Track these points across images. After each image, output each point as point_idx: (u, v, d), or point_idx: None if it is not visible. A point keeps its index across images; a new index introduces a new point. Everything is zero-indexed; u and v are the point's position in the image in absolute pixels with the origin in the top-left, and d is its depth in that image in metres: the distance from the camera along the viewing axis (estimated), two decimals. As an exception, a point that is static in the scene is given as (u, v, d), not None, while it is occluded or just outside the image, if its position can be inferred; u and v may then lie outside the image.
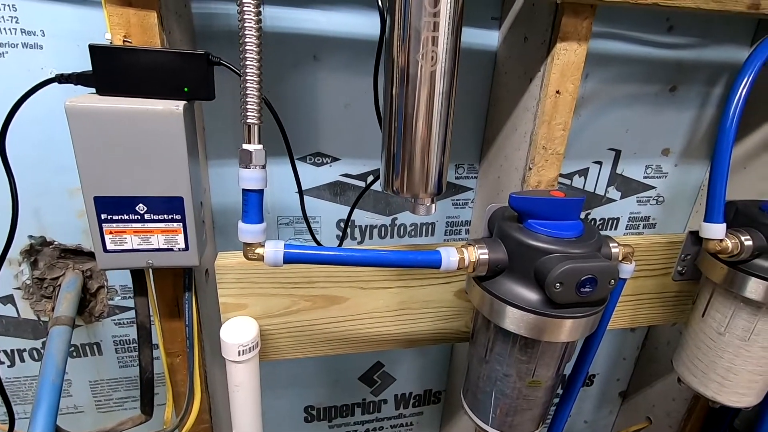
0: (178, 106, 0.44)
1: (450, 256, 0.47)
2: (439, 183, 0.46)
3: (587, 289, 0.43)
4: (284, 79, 0.63)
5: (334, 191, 0.72)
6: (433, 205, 0.48)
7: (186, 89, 0.45)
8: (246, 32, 0.39)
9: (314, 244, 0.66)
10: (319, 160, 0.69)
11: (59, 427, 0.51)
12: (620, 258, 0.51)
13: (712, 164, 0.56)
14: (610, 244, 0.51)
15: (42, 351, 0.71)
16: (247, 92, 0.40)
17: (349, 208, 0.68)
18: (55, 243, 0.65)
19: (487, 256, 0.46)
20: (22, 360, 0.72)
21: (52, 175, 0.60)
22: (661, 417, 0.99)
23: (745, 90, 0.53)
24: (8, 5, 0.52)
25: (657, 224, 0.88)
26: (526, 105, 0.59)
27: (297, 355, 0.63)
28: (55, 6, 0.53)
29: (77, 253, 0.66)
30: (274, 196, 0.70)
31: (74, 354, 0.73)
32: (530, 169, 0.58)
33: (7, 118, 0.45)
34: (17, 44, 0.53)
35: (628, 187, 0.83)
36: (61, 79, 0.45)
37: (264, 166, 0.43)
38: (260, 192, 0.44)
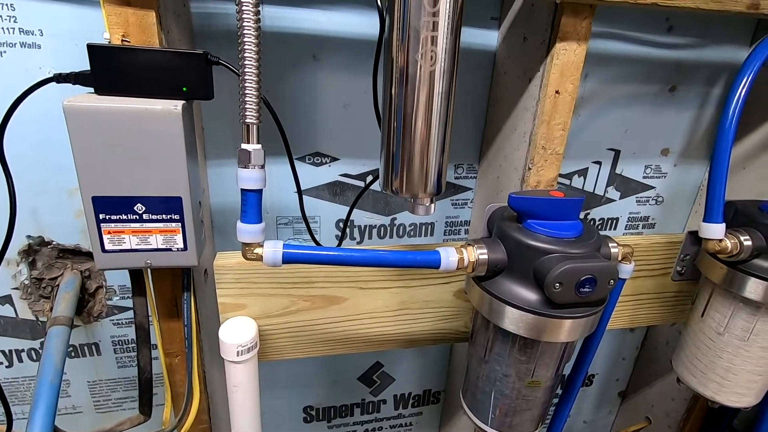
0: (176, 105, 0.44)
1: (449, 256, 0.47)
2: (438, 183, 0.46)
3: (587, 289, 0.43)
4: (283, 79, 0.62)
5: (333, 191, 0.72)
6: (432, 205, 0.48)
7: (185, 89, 0.45)
8: (245, 32, 0.38)
9: (313, 244, 0.66)
10: (318, 160, 0.69)
11: (57, 428, 0.51)
12: (619, 258, 0.51)
13: (712, 164, 0.56)
14: (610, 244, 0.51)
15: (40, 351, 0.71)
16: (246, 92, 0.40)
17: (348, 208, 0.68)
18: (54, 243, 0.64)
19: (486, 256, 0.46)
20: (21, 360, 0.72)
21: (50, 174, 0.60)
22: (661, 417, 0.99)
23: (744, 90, 0.53)
24: (6, 4, 0.52)
25: (656, 224, 0.88)
26: (525, 105, 0.59)
27: (296, 356, 0.63)
28: (54, 5, 0.53)
29: (75, 253, 0.66)
30: (273, 196, 0.70)
31: (73, 354, 0.73)
32: (529, 169, 0.58)
33: (4, 117, 0.45)
34: (15, 43, 0.53)
35: (628, 187, 0.83)
36: (59, 78, 0.45)
37: (263, 166, 0.43)
38: (259, 192, 0.43)
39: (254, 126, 0.41)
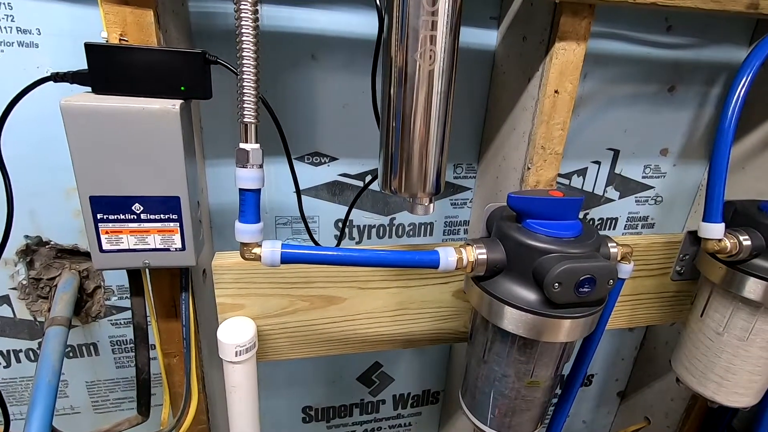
0: (174, 105, 0.44)
1: (448, 256, 0.46)
2: (438, 183, 0.46)
3: (586, 289, 0.43)
4: (282, 79, 0.62)
5: (332, 191, 0.71)
6: (432, 205, 0.48)
7: (183, 88, 0.45)
8: (243, 31, 0.38)
9: (312, 244, 0.66)
10: (317, 159, 0.69)
11: (55, 428, 0.51)
12: (619, 258, 0.51)
13: (711, 164, 0.56)
14: (609, 244, 0.51)
15: (38, 351, 0.71)
16: (244, 91, 0.40)
17: (347, 208, 0.68)
18: (52, 243, 0.64)
19: (485, 256, 0.46)
20: (18, 360, 0.71)
21: (48, 174, 0.60)
22: (660, 417, 0.99)
23: (743, 90, 0.53)
24: (4, 3, 0.52)
25: (655, 224, 0.88)
26: (524, 105, 0.59)
27: (295, 356, 0.63)
28: (51, 4, 0.53)
29: (74, 253, 0.66)
30: (272, 196, 0.69)
31: (71, 354, 0.73)
32: (529, 168, 0.58)
33: (2, 117, 0.45)
34: (13, 42, 0.53)
35: (627, 186, 0.83)
36: (57, 77, 0.45)
37: (261, 166, 0.42)
38: (257, 191, 0.43)
39: (252, 125, 0.41)
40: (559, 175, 0.77)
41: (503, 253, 0.46)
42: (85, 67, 0.44)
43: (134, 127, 0.43)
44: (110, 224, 0.46)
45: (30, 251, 0.64)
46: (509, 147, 0.64)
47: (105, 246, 0.47)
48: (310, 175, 0.69)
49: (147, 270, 0.55)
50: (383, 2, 0.42)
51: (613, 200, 0.84)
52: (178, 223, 0.48)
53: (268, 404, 0.87)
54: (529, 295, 0.45)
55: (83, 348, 0.73)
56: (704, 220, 0.58)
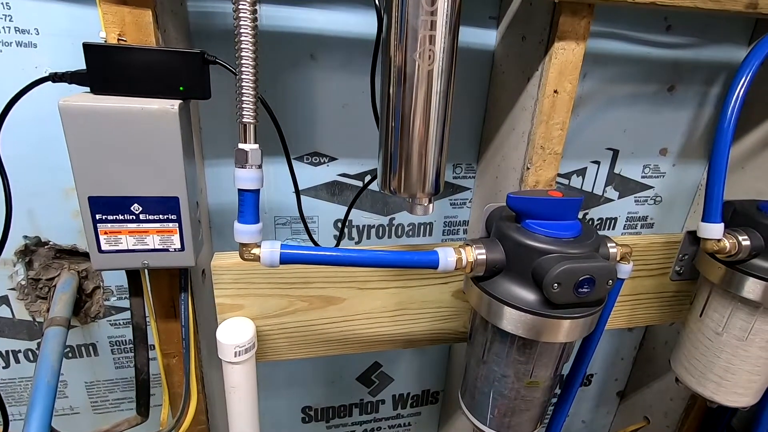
0: (173, 105, 0.44)
1: (447, 257, 0.46)
2: (437, 183, 0.46)
3: (585, 290, 0.43)
4: (281, 79, 0.62)
5: (331, 191, 0.71)
6: (431, 205, 0.47)
7: (181, 88, 0.45)
8: (242, 31, 0.38)
9: (311, 245, 0.66)
10: (316, 159, 0.69)
11: (54, 429, 0.51)
12: (618, 258, 0.51)
13: (710, 164, 0.56)
14: (608, 244, 0.51)
15: (37, 352, 0.71)
16: (243, 91, 0.40)
17: (346, 208, 0.68)
18: (50, 243, 0.64)
19: (484, 257, 0.46)
20: (17, 361, 0.71)
21: (46, 174, 0.60)
22: (659, 417, 0.99)
23: (742, 89, 0.53)
24: (2, 3, 0.52)
25: (655, 224, 0.88)
26: (523, 104, 0.59)
27: (294, 356, 0.63)
28: (50, 4, 0.53)
29: (72, 254, 0.66)
30: (271, 196, 0.69)
31: (70, 355, 0.73)
32: (528, 168, 0.58)
33: (0, 116, 0.45)
34: (11, 42, 0.53)
35: (626, 186, 0.83)
36: (55, 78, 0.45)
37: (260, 166, 0.42)
38: (256, 192, 0.43)
39: (251, 126, 0.41)
40: (559, 175, 0.77)
41: (502, 254, 0.46)
42: (84, 67, 0.44)
43: (133, 127, 0.43)
44: (109, 225, 0.46)
45: (29, 251, 0.64)
46: (508, 147, 0.63)
47: (104, 246, 0.47)
48: (310, 175, 0.69)
49: (146, 270, 0.55)
50: (382, 2, 0.42)
51: (612, 200, 0.84)
52: (177, 224, 0.48)
53: (267, 404, 0.87)
54: (529, 295, 0.45)
55: (82, 348, 0.73)
56: (703, 220, 0.58)
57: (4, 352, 0.70)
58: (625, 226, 0.87)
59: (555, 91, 0.54)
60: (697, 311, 0.66)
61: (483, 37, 0.66)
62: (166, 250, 0.49)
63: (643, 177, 0.83)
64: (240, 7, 0.38)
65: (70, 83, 0.44)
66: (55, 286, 0.65)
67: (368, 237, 0.77)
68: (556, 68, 0.53)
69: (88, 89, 0.45)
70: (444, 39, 0.40)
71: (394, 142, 0.44)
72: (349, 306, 0.62)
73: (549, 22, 0.52)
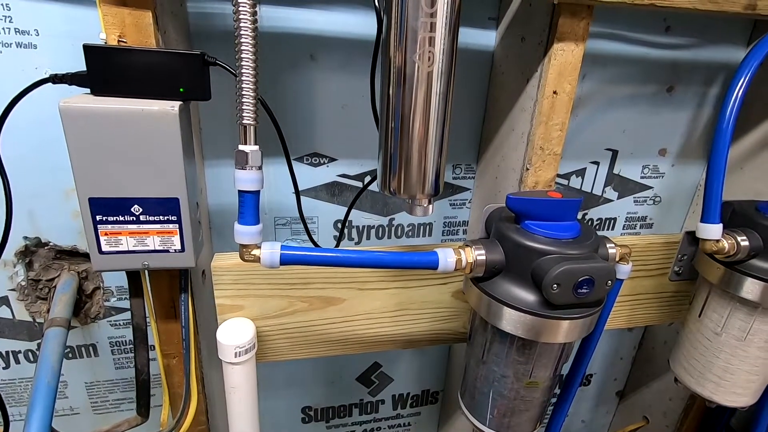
0: (173, 106, 0.44)
1: (447, 257, 0.46)
2: (436, 184, 0.46)
3: (584, 290, 0.43)
4: (281, 80, 0.62)
5: (331, 192, 0.71)
6: (430, 206, 0.48)
7: (182, 89, 0.45)
8: (241, 32, 0.38)
9: (311, 245, 0.66)
10: (316, 160, 0.69)
11: (54, 429, 0.51)
12: (617, 259, 0.51)
13: (709, 165, 0.56)
14: (607, 245, 0.51)
15: (37, 353, 0.71)
16: (243, 93, 0.40)
17: (346, 209, 0.68)
18: (51, 244, 0.64)
19: (484, 257, 0.46)
20: (17, 362, 0.71)
21: (47, 175, 0.60)
22: (658, 416, 0.99)
23: (741, 90, 0.53)
24: (2, 4, 0.52)
25: (654, 224, 0.89)
26: (523, 105, 0.59)
27: (294, 357, 0.63)
28: (50, 5, 0.53)
29: (73, 254, 0.66)
30: (271, 197, 0.70)
31: (70, 355, 0.73)
32: (527, 169, 0.58)
33: (1, 118, 0.45)
34: (11, 44, 0.53)
35: (625, 187, 0.83)
36: (55, 79, 0.45)
37: (260, 167, 0.42)
38: (256, 193, 0.43)
39: (251, 127, 0.41)
40: (558, 176, 0.78)
41: (502, 254, 0.47)
42: (84, 68, 0.44)
43: (133, 128, 0.43)
44: (109, 226, 0.46)
45: (29, 252, 0.64)
46: (508, 148, 0.64)
47: (104, 247, 0.47)
48: (309, 175, 0.69)
49: (146, 271, 0.55)
50: (382, 3, 0.42)
51: (611, 200, 0.84)
52: (177, 225, 0.48)
53: (267, 405, 0.88)
54: (528, 296, 0.45)
55: (82, 349, 0.73)
56: (702, 220, 0.58)
57: (4, 353, 0.70)
58: (624, 227, 0.87)
59: (554, 92, 0.54)
60: (696, 311, 0.67)
61: (482, 38, 0.66)
62: (167, 251, 0.49)
63: (642, 177, 0.83)
64: (240, 8, 0.38)
65: (70, 84, 0.45)
66: (55, 286, 0.65)
67: (368, 237, 0.77)
68: (555, 69, 0.53)
69: (88, 90, 0.45)
70: (444, 40, 0.40)
71: (394, 143, 0.44)
72: (349, 306, 0.62)
73: (548, 23, 0.52)
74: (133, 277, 0.55)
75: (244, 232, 0.44)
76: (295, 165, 0.67)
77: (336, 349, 0.64)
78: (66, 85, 0.45)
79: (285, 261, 0.45)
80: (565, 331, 0.45)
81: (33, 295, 0.67)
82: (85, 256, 0.66)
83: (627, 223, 0.87)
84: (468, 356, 0.55)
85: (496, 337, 0.49)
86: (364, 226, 0.76)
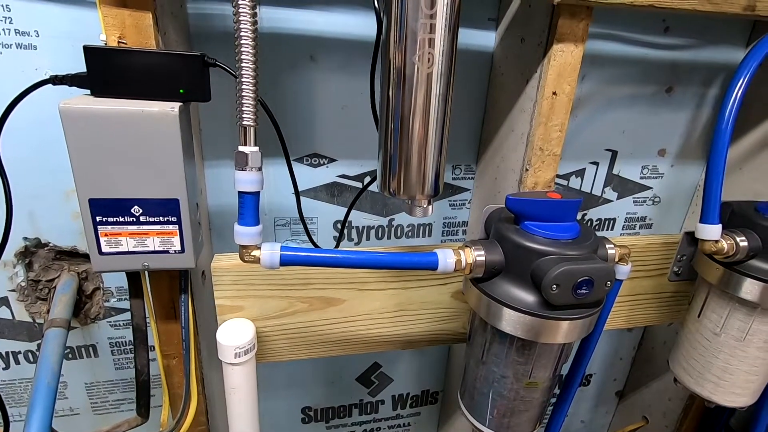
0: (173, 107, 0.44)
1: (447, 258, 0.47)
2: (436, 184, 0.46)
3: (584, 291, 0.43)
4: (281, 81, 0.62)
5: (331, 192, 0.71)
6: (430, 207, 0.48)
7: (182, 91, 0.45)
8: (241, 33, 0.38)
9: (311, 246, 0.66)
10: (315, 161, 0.69)
11: (54, 430, 0.51)
12: (616, 259, 0.52)
13: (708, 165, 0.56)
14: (607, 246, 0.51)
15: (37, 353, 0.71)
16: (243, 94, 0.40)
17: (346, 209, 0.68)
18: (50, 245, 0.64)
19: (483, 258, 0.46)
20: (17, 362, 0.71)
21: (47, 176, 0.60)
22: (658, 416, 0.99)
23: (740, 91, 0.53)
24: (2, 5, 0.52)
25: (653, 225, 0.89)
26: (522, 106, 0.59)
27: (294, 357, 0.63)
28: (50, 7, 0.53)
29: (72, 255, 0.66)
30: (271, 197, 0.70)
31: (70, 356, 0.73)
32: (527, 170, 0.58)
33: (1, 119, 0.45)
34: (11, 45, 0.53)
35: (625, 187, 0.83)
36: (56, 80, 0.45)
37: (260, 168, 0.43)
38: (256, 194, 0.43)
39: (251, 128, 0.41)
40: (558, 176, 0.78)
41: (501, 255, 0.47)
42: (84, 69, 0.44)
43: (133, 129, 0.43)
44: (109, 227, 0.46)
45: (29, 253, 0.64)
46: (507, 148, 0.64)
47: (104, 248, 0.47)
48: (309, 176, 0.69)
49: (146, 272, 0.55)
50: (381, 4, 0.42)
51: (611, 201, 0.84)
52: (177, 226, 0.48)
53: (267, 405, 0.88)
54: (527, 296, 0.45)
55: (82, 349, 0.73)
56: (701, 221, 0.58)
57: (4, 354, 0.70)
58: (623, 227, 0.87)
59: (554, 93, 0.54)
60: (695, 312, 0.67)
61: (482, 39, 0.67)
62: (166, 251, 0.49)
63: (641, 178, 0.83)
64: (240, 9, 0.38)
65: (70, 86, 0.45)
66: (55, 287, 0.65)
67: (368, 238, 0.77)
68: (554, 70, 0.53)
69: (88, 92, 0.45)
70: (443, 42, 0.40)
71: (394, 144, 0.44)
72: (349, 307, 0.62)
73: (548, 24, 0.52)
74: (133, 277, 0.55)
75: (243, 233, 0.44)
76: (295, 166, 0.67)
77: (336, 350, 0.64)
78: (66, 87, 0.45)
79: (285, 262, 0.45)
80: (564, 331, 0.45)
81: (33, 295, 0.67)
82: (85, 257, 0.66)
83: (626, 223, 0.87)
84: (467, 357, 0.55)
85: (496, 337, 0.49)
86: (363, 227, 0.76)
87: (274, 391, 0.87)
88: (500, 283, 0.47)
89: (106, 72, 0.44)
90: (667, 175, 0.84)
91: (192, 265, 0.50)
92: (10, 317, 0.68)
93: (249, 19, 0.38)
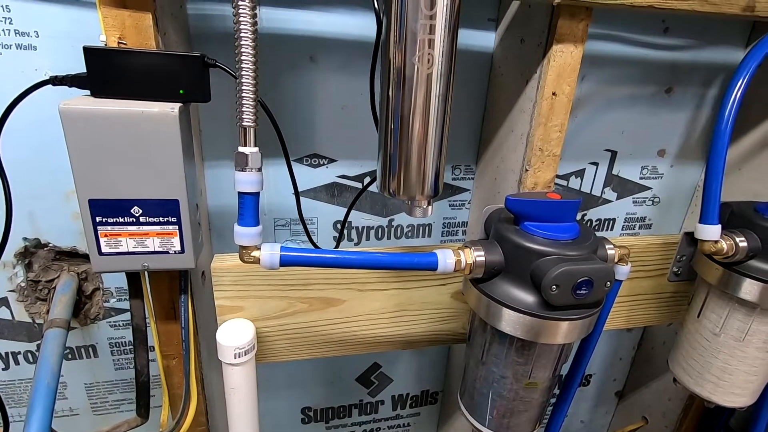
0: (173, 108, 0.44)
1: (446, 259, 0.47)
2: (436, 185, 0.46)
3: (583, 292, 0.43)
4: (280, 80, 0.62)
5: (330, 193, 0.72)
6: (430, 207, 0.48)
7: (181, 91, 0.45)
8: (241, 34, 0.38)
9: (311, 247, 0.66)
10: (315, 161, 0.69)
11: (54, 430, 0.51)
12: (616, 260, 0.52)
13: (707, 165, 0.56)
14: (606, 246, 0.51)
15: (37, 353, 0.71)
16: (243, 94, 0.40)
17: (345, 210, 0.68)
18: (50, 245, 0.64)
19: (483, 258, 0.46)
20: (17, 363, 0.71)
21: (46, 177, 0.60)
22: (657, 417, 0.99)
23: (740, 92, 0.53)
24: (2, 6, 0.52)
25: (653, 225, 0.89)
26: (522, 107, 0.59)
27: (294, 358, 0.63)
28: (50, 7, 0.53)
29: (72, 255, 0.66)
30: (271, 198, 0.70)
31: (69, 356, 0.73)
32: (527, 170, 0.58)
33: (0, 119, 0.45)
34: (11, 45, 0.53)
35: (624, 188, 0.83)
36: (55, 81, 0.45)
37: (260, 169, 0.43)
38: (256, 195, 0.43)
39: (251, 129, 0.41)
40: (557, 177, 0.78)
41: (501, 256, 0.47)
42: (84, 70, 0.44)
43: (133, 130, 0.43)
44: (109, 227, 0.46)
45: (28, 253, 0.64)
46: (507, 149, 0.64)
47: (104, 249, 0.47)
48: (309, 176, 0.70)
49: (146, 272, 0.55)
50: (381, 5, 0.42)
51: (610, 201, 0.84)
52: (177, 226, 0.48)
53: (267, 405, 0.88)
54: (527, 297, 0.45)
55: (82, 350, 0.73)
56: (701, 221, 0.58)
57: (3, 354, 0.70)
58: (623, 227, 0.87)
59: (553, 94, 0.54)
60: (694, 312, 0.67)
61: (482, 39, 0.67)
62: (166, 252, 0.49)
63: (641, 178, 0.83)
64: (240, 10, 0.38)
65: (70, 86, 0.45)
66: (54, 287, 0.65)
67: (367, 238, 0.77)
68: (554, 71, 0.53)
69: (88, 92, 0.45)
70: (443, 42, 0.40)
71: (393, 145, 0.44)
72: (349, 307, 0.62)
73: (547, 24, 0.52)
74: (133, 278, 0.55)
75: (243, 234, 0.44)
76: (295, 166, 0.67)
77: (336, 350, 0.64)
78: (66, 87, 0.45)
79: (285, 262, 0.45)
80: (564, 332, 0.45)
81: (32, 296, 0.67)
82: (85, 257, 0.66)
83: (626, 223, 0.87)
84: (467, 357, 0.55)
85: (495, 337, 0.50)
86: (363, 227, 0.76)
87: (274, 392, 0.87)
88: (500, 284, 0.47)
89: (106, 72, 0.44)
90: (666, 176, 0.84)
91: (192, 265, 0.50)
92: (10, 318, 0.68)
93: (249, 20, 0.38)
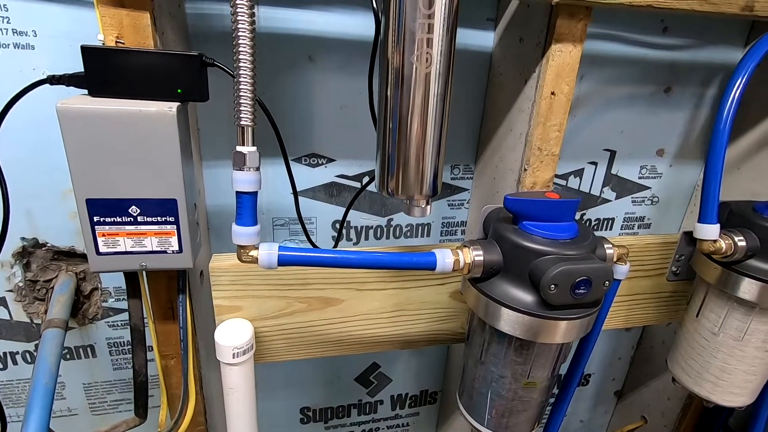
0: (171, 107, 0.44)
1: (445, 258, 0.47)
2: (434, 184, 0.46)
3: (582, 291, 0.43)
4: (279, 80, 0.62)
5: (329, 192, 0.71)
6: (428, 207, 0.48)
7: (179, 90, 0.45)
8: (239, 33, 0.38)
9: (309, 246, 0.66)
10: (314, 161, 0.69)
11: (52, 430, 0.51)
12: (615, 259, 0.52)
13: (706, 165, 0.56)
14: (605, 245, 0.51)
15: (35, 354, 0.71)
16: (241, 94, 0.40)
17: (344, 209, 0.68)
18: (48, 245, 0.64)
19: (482, 258, 0.46)
20: (15, 363, 0.71)
21: (44, 176, 0.60)
22: (657, 416, 0.99)
23: (738, 91, 0.53)
24: (0, 5, 0.52)
25: (652, 224, 0.89)
26: (521, 106, 0.59)
27: (292, 357, 0.63)
28: (47, 6, 0.53)
29: (70, 255, 0.66)
30: (269, 197, 0.69)
31: (68, 356, 0.73)
32: (525, 170, 0.58)
33: (-2, 119, 0.45)
34: (8, 44, 0.53)
35: (623, 187, 0.83)
36: (53, 80, 0.45)
37: (258, 168, 0.42)
38: (254, 194, 0.43)
39: (249, 128, 0.41)
40: (556, 176, 0.78)
41: (500, 255, 0.47)
42: (82, 69, 0.44)
43: (131, 129, 0.43)
44: (107, 227, 0.46)
45: (26, 253, 0.64)
46: (506, 148, 0.64)
47: (102, 248, 0.47)
48: (308, 176, 0.69)
49: (144, 272, 0.55)
50: (380, 4, 0.42)
51: (609, 201, 0.84)
52: (175, 226, 0.48)
53: (265, 405, 0.88)
54: (526, 296, 0.45)
55: (80, 350, 0.73)
56: (699, 221, 0.58)
57: (1, 354, 0.70)
58: (622, 227, 0.87)
59: (552, 93, 0.54)
60: (693, 311, 0.67)
61: (480, 39, 0.67)
62: (164, 252, 0.49)
63: (640, 178, 0.83)
64: (238, 9, 0.38)
65: (68, 86, 0.45)
66: (52, 287, 0.65)
67: (366, 238, 0.77)
68: (553, 70, 0.53)
69: (86, 92, 0.45)
70: (441, 42, 0.40)
71: (392, 144, 0.44)
72: (348, 307, 0.62)
73: (546, 24, 0.52)
74: (131, 278, 0.55)
75: (241, 233, 0.44)
76: (294, 165, 0.67)
77: (334, 350, 0.64)
78: (63, 86, 0.45)
79: (283, 262, 0.45)
80: (562, 331, 0.45)
81: (30, 296, 0.67)
82: (83, 257, 0.66)
83: (625, 223, 0.87)
84: (466, 357, 0.55)
85: (494, 337, 0.49)
86: (362, 227, 0.76)
87: (273, 392, 0.87)
88: (498, 283, 0.47)
89: (104, 72, 0.44)
90: (665, 175, 0.84)
91: (190, 265, 0.50)
92: (8, 318, 0.68)
93: (247, 19, 0.38)
